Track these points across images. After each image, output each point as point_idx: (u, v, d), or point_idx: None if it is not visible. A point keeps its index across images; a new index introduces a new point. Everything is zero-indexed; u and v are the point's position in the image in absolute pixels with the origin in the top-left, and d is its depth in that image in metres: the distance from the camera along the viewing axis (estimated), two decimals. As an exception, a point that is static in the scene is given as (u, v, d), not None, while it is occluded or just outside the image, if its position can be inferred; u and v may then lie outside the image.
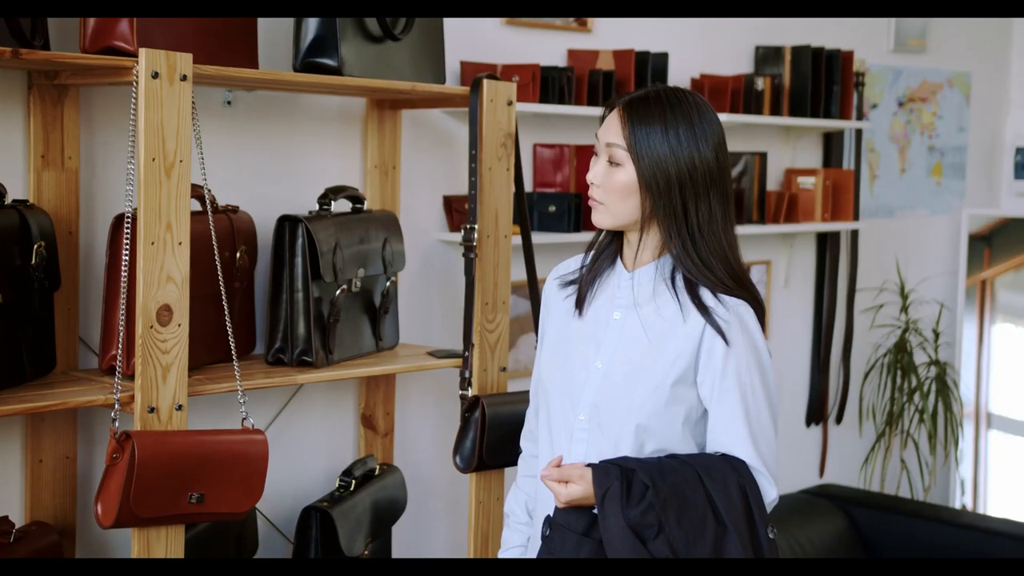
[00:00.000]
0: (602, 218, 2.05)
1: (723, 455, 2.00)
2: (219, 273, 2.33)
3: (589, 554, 1.95)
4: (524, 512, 2.22)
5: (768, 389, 2.03)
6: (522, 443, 2.28)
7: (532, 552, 2.14)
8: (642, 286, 2.06)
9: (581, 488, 1.94)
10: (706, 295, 2.02)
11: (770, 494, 2.01)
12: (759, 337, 2.03)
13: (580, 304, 2.11)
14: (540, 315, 2.24)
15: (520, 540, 2.22)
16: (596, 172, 2.04)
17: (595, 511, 1.95)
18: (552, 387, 2.11)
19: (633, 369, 2.02)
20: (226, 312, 2.33)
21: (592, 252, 2.15)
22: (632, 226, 2.04)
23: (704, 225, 2.00)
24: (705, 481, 1.95)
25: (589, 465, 1.96)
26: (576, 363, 2.08)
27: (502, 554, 2.24)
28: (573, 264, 2.20)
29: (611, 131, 2.02)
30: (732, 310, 2.00)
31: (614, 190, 2.01)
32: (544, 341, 2.19)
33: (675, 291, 2.03)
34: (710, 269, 2.00)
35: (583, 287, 2.12)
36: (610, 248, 2.12)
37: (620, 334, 2.05)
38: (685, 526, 1.91)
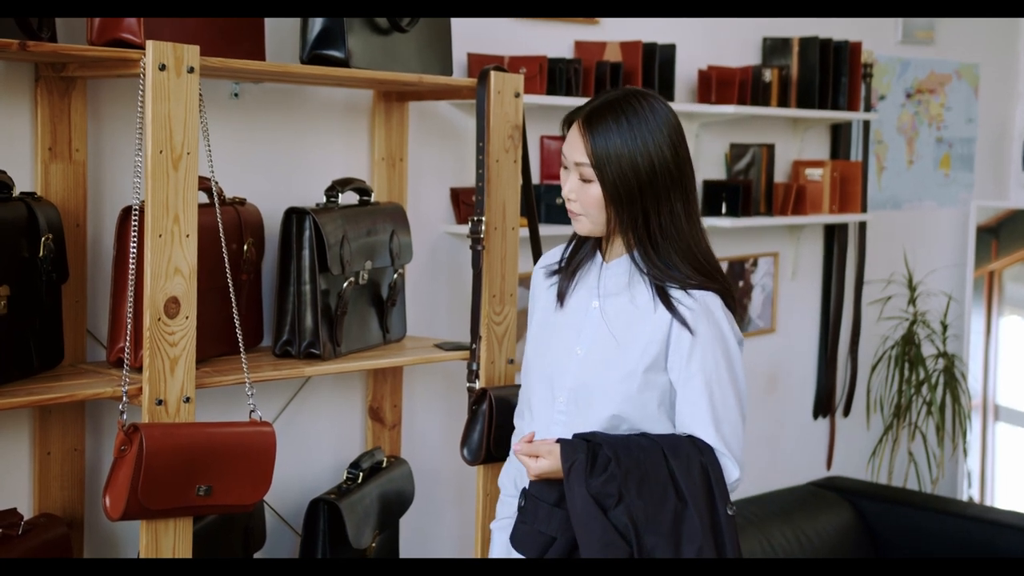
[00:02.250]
0: (583, 226, 2.17)
1: (690, 436, 2.11)
2: (226, 265, 2.33)
3: (560, 524, 2.08)
4: (514, 486, 2.32)
5: (734, 374, 2.14)
6: (515, 421, 2.38)
7: None
8: (617, 276, 2.17)
9: (550, 462, 2.07)
10: (673, 288, 2.12)
11: (733, 474, 2.12)
12: (726, 325, 2.13)
13: (561, 297, 2.23)
14: (529, 303, 2.35)
15: (509, 512, 2.32)
16: (571, 187, 2.14)
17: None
18: (534, 373, 2.24)
19: (608, 356, 2.13)
20: (234, 304, 2.33)
21: (572, 244, 2.26)
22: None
23: (667, 227, 2.10)
24: (669, 458, 2.06)
25: (559, 440, 2.08)
26: (557, 350, 2.20)
27: (494, 525, 2.36)
28: (558, 254, 2.30)
29: (576, 150, 2.12)
30: (699, 300, 2.11)
31: (590, 204, 2.13)
32: (530, 328, 2.30)
33: (647, 281, 2.14)
34: (673, 270, 2.11)
35: (563, 280, 2.24)
36: (591, 240, 2.22)
37: (598, 322, 2.16)
38: (645, 497, 2.03)
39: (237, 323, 2.33)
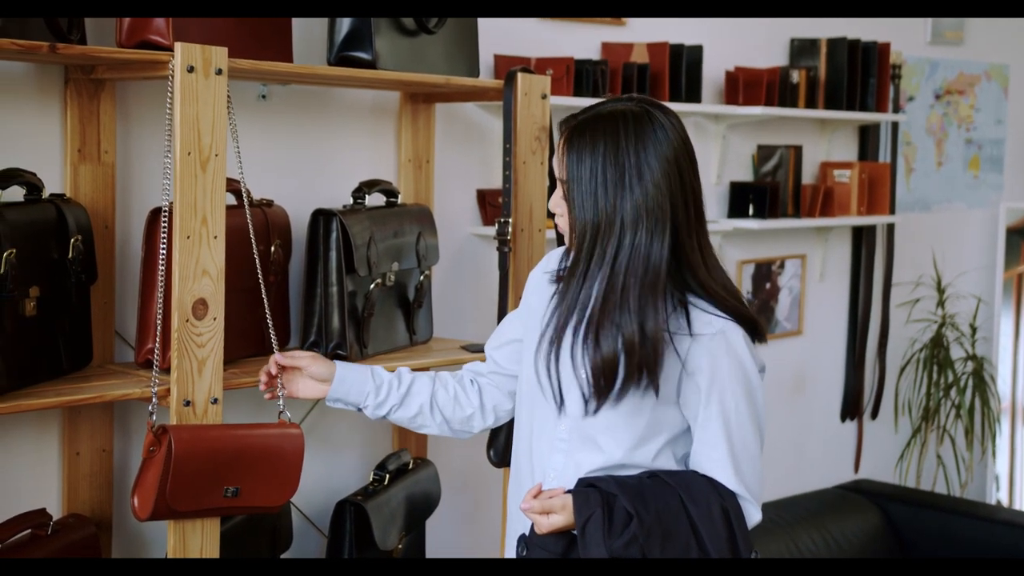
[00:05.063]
0: (569, 244, 2.02)
1: (706, 476, 1.97)
2: (258, 267, 2.32)
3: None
4: (408, 377, 2.22)
5: (754, 408, 1.98)
6: (469, 367, 2.29)
7: (388, 401, 2.19)
8: None
9: (563, 518, 1.93)
10: (695, 313, 1.95)
11: (754, 518, 1.99)
12: (746, 356, 1.97)
13: None
14: (524, 296, 2.20)
15: (390, 379, 2.20)
16: (554, 203, 2.00)
17: (574, 532, 1.93)
18: (537, 392, 2.06)
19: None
20: (266, 305, 2.32)
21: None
22: None
23: (623, 265, 1.90)
24: (688, 506, 1.92)
25: (569, 491, 1.94)
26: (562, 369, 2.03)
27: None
28: (559, 259, 2.14)
29: (558, 164, 1.97)
30: (719, 331, 1.94)
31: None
32: (528, 334, 2.12)
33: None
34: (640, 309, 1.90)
35: None
36: None
37: (535, 361, 2.00)
38: (668, 556, 1.89)
39: (270, 323, 2.32)
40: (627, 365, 1.90)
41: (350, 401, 2.20)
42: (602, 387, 1.92)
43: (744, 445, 1.97)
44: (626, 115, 1.92)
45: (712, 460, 1.97)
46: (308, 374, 2.18)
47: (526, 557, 2.01)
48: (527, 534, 2.01)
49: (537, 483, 2.01)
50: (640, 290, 1.89)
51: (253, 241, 2.31)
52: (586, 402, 1.95)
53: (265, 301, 2.31)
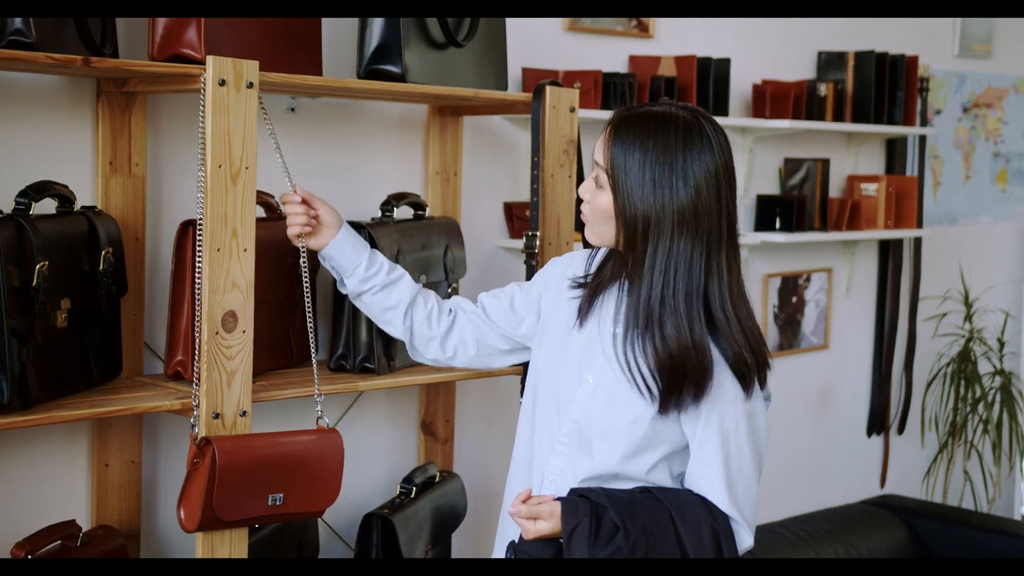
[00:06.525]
0: (589, 235, 2.05)
1: (700, 495, 1.98)
2: (305, 280, 2.30)
3: None
4: (399, 271, 2.27)
5: (754, 431, 1.99)
6: (456, 299, 2.32)
7: (374, 279, 2.23)
8: None
9: (550, 525, 1.94)
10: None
11: (746, 542, 1.99)
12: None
13: (581, 316, 2.08)
14: (537, 277, 2.24)
15: (383, 261, 2.25)
16: (585, 188, 2.03)
17: (561, 540, 1.94)
18: (542, 390, 2.10)
19: (617, 393, 1.99)
20: (308, 316, 2.30)
21: (598, 258, 2.12)
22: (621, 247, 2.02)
23: (669, 265, 1.93)
24: (677, 524, 1.93)
25: (559, 499, 1.95)
26: (569, 371, 2.06)
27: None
28: (583, 262, 2.16)
29: (600, 151, 2.00)
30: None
31: (597, 211, 2.00)
32: (545, 333, 2.15)
33: None
34: (661, 327, 1.93)
35: (585, 299, 2.09)
36: (618, 258, 2.07)
37: (613, 352, 2.02)
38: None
39: (312, 332, 2.30)
40: (683, 369, 1.92)
41: (341, 264, 2.22)
42: (668, 385, 1.94)
43: (740, 467, 1.98)
44: (677, 119, 1.95)
45: (706, 480, 1.98)
46: (321, 216, 2.22)
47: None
48: (516, 541, 2.02)
49: (527, 488, 2.02)
50: (686, 295, 1.93)
51: (304, 254, 2.29)
52: (654, 398, 1.96)
53: (308, 311, 2.30)
